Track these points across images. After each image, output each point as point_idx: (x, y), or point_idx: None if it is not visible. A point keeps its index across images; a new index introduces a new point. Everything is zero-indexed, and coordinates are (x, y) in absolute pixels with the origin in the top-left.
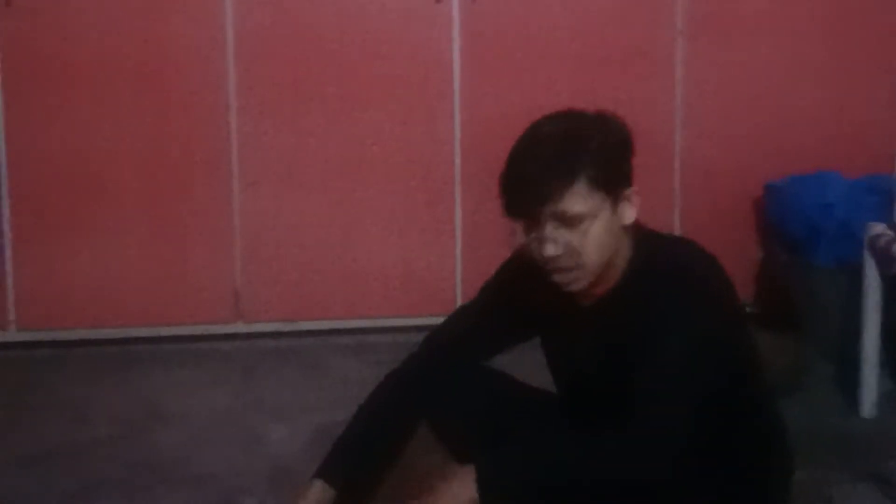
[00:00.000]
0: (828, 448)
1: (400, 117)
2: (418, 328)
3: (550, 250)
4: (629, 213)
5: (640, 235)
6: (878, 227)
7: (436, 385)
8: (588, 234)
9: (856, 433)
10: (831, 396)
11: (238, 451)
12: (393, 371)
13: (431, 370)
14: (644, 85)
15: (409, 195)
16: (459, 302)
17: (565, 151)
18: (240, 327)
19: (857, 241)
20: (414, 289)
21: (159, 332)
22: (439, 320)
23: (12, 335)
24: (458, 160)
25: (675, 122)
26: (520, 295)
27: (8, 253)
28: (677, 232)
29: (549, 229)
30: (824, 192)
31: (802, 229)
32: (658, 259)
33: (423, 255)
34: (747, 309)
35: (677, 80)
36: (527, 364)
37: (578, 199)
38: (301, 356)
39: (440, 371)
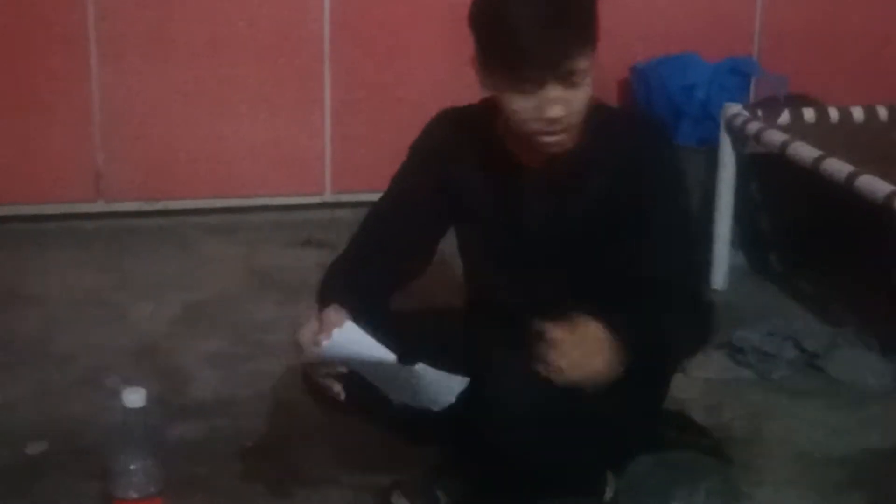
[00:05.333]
0: None
1: None
2: (286, 207)
3: (557, 111)
4: None
5: None
6: (735, 108)
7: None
8: (584, 93)
9: None
10: None
11: (102, 330)
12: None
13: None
14: None
15: (277, 72)
16: (329, 181)
17: (569, 7)
18: (100, 206)
19: (717, 122)
20: (282, 168)
21: (15, 211)
22: (308, 200)
23: None
24: (327, 37)
25: None
26: (449, 168)
27: None
28: None
29: (553, 89)
30: (686, 74)
31: (666, 110)
32: (617, 117)
33: (292, 134)
34: None
35: None
36: None
37: (585, 57)
38: (166, 235)
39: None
